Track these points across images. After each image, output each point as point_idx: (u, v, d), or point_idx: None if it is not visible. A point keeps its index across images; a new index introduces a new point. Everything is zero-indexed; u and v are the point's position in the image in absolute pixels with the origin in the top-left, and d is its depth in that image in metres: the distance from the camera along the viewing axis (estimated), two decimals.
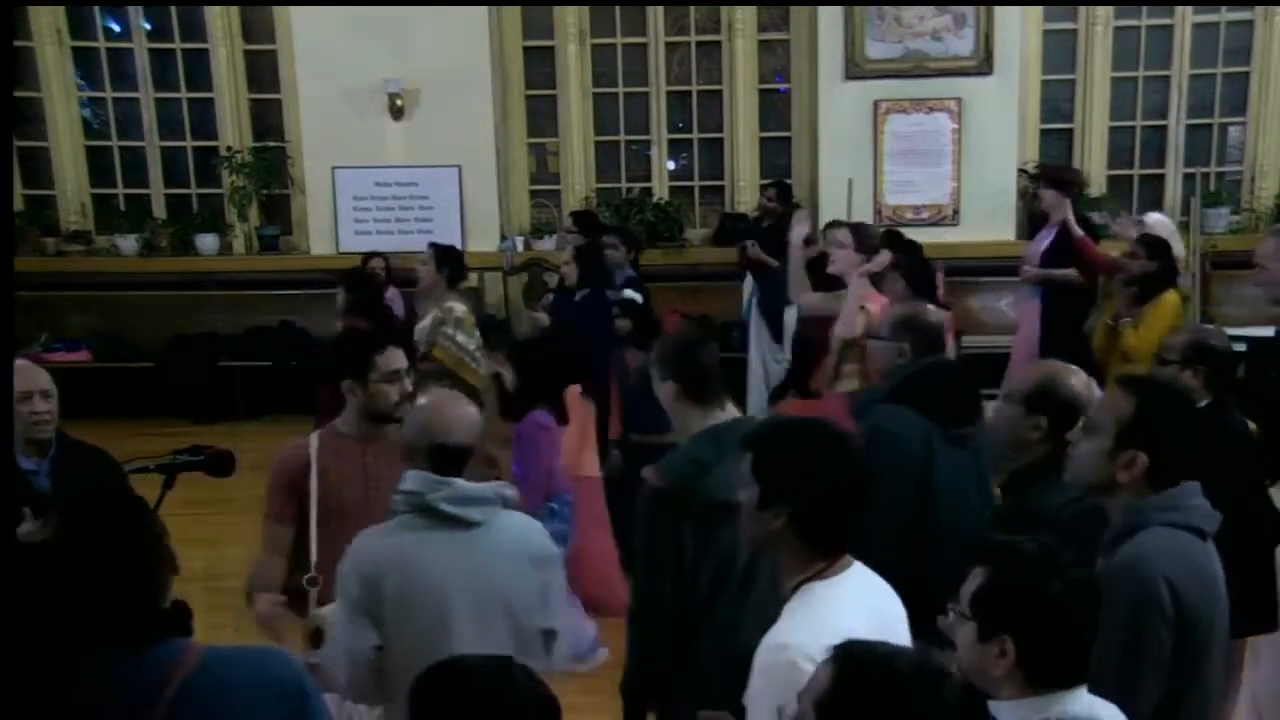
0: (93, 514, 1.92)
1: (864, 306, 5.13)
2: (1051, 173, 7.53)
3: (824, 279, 5.77)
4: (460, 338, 6.11)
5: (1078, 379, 3.04)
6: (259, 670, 1.96)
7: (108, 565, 1.86)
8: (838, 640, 1.96)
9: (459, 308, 6.24)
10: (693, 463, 2.86)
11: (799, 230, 5.79)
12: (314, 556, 3.31)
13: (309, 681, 2.02)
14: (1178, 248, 6.60)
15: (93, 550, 1.86)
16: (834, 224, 6.24)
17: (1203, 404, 3.81)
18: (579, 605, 4.89)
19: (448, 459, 2.80)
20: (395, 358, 3.50)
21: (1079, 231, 6.90)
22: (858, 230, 5.55)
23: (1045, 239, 7.18)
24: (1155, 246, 5.76)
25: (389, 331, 5.37)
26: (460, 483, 2.79)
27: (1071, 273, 6.87)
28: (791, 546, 2.28)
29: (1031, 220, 7.91)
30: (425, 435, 2.82)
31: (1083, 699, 2.06)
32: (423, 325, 6.21)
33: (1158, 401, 2.51)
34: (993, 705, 2.09)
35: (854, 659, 1.81)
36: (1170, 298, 5.60)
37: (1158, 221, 6.97)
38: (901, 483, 3.43)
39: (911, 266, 5.44)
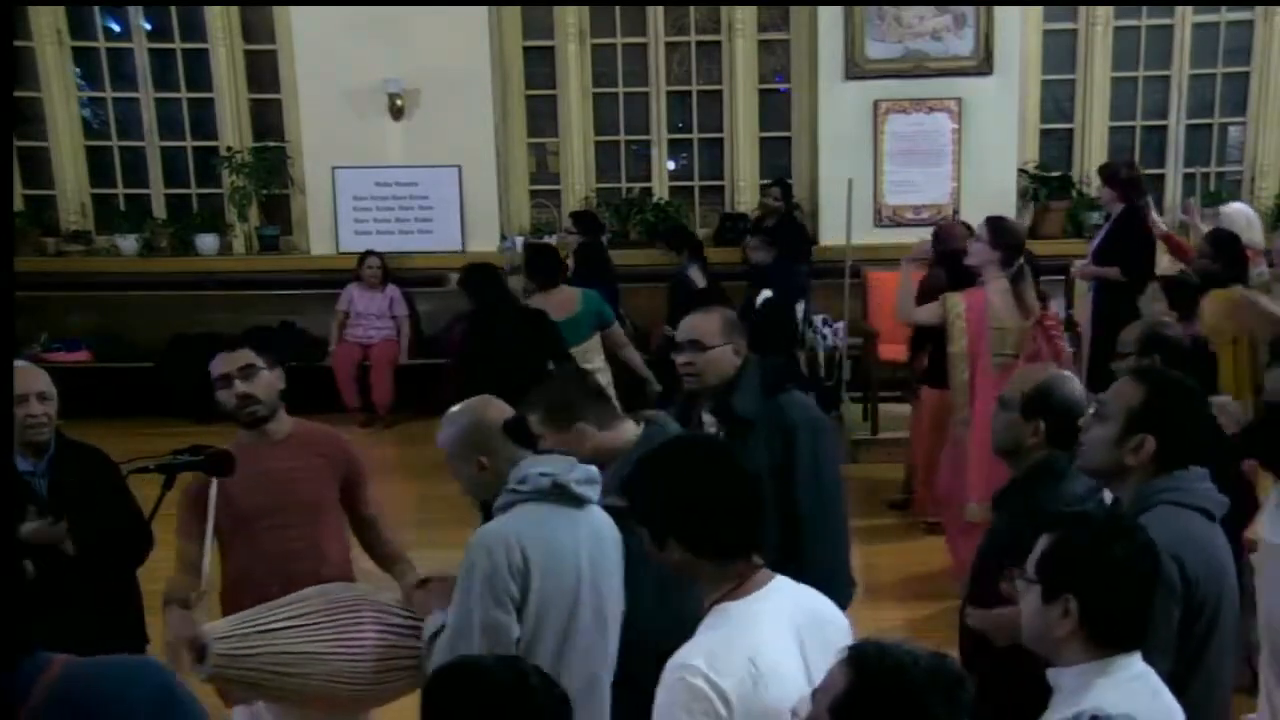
0: None
1: (945, 297, 5.37)
2: (1109, 170, 7.48)
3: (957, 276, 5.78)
4: None
5: (1073, 384, 3.09)
6: (125, 679, 1.92)
7: None
8: (744, 660, 2.03)
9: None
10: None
11: (920, 248, 5.80)
12: (205, 570, 3.26)
13: (182, 691, 1.97)
14: (1255, 236, 6.53)
15: None
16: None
17: None
18: None
19: (523, 431, 2.82)
20: (220, 363, 3.49)
21: (1163, 227, 6.89)
22: (994, 225, 5.52)
23: (1097, 236, 7.23)
24: (1221, 244, 5.79)
25: None
26: (580, 464, 2.80)
27: (1113, 270, 6.91)
28: (695, 569, 2.23)
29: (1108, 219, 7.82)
30: (495, 428, 2.81)
31: (1138, 664, 2.13)
32: None
33: (1166, 389, 2.64)
34: (1051, 674, 2.17)
35: (869, 661, 1.82)
36: (1217, 294, 5.63)
37: (1237, 211, 6.91)
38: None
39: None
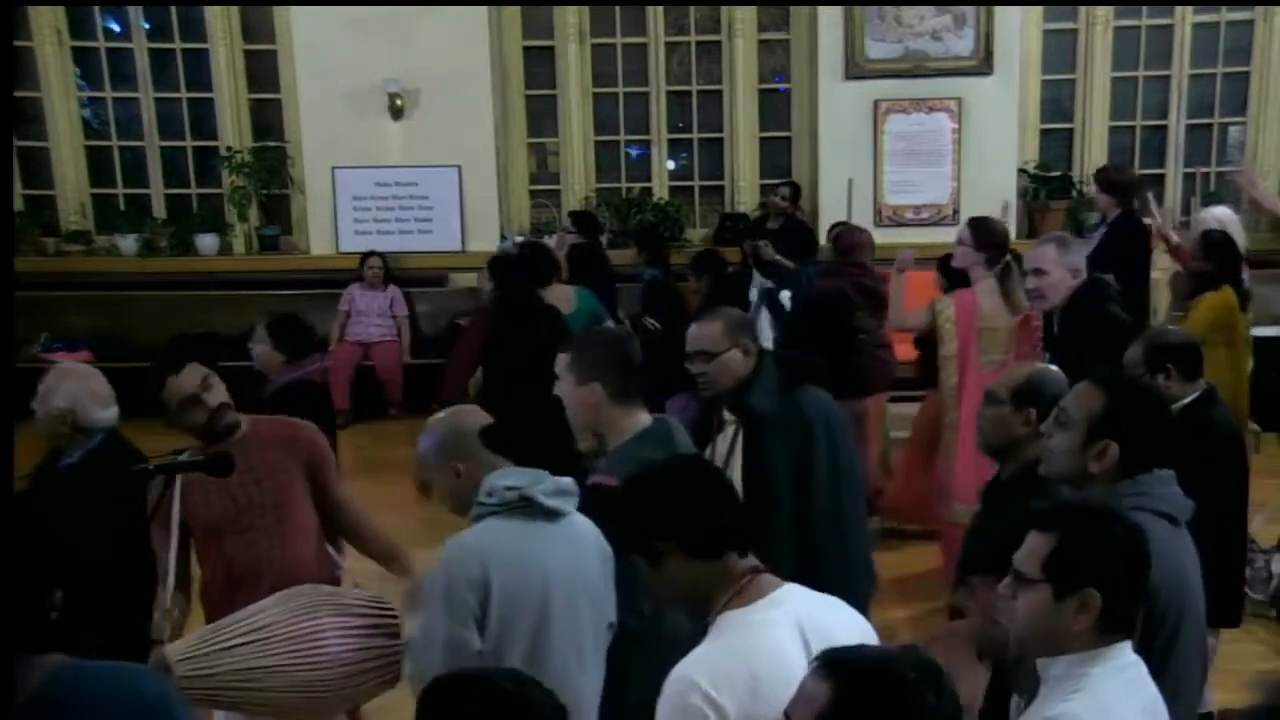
0: None
1: (933, 301, 5.35)
2: (1103, 175, 7.48)
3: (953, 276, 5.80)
4: None
5: (1059, 375, 3.15)
6: (116, 686, 1.91)
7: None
8: (744, 672, 2.00)
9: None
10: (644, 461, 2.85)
11: (903, 259, 5.71)
12: (170, 584, 3.21)
13: (175, 701, 1.97)
14: (1240, 239, 6.57)
15: None
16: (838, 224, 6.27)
17: (1188, 400, 3.89)
18: None
19: (497, 438, 2.80)
20: (175, 387, 3.43)
21: (1175, 239, 6.86)
22: (977, 225, 5.51)
23: (1092, 241, 7.19)
24: (1215, 245, 5.80)
25: None
26: (550, 476, 2.77)
27: (1109, 277, 6.87)
28: (694, 578, 2.19)
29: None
30: (470, 436, 2.78)
31: (1129, 652, 2.13)
32: None
33: (1127, 395, 2.63)
34: (1041, 663, 2.13)
35: (845, 666, 1.77)
36: (1215, 295, 5.65)
37: (1222, 216, 6.92)
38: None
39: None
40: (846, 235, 6.87)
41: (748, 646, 2.08)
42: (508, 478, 2.72)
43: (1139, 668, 2.14)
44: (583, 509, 2.82)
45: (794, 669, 1.99)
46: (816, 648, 2.01)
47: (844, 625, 2.21)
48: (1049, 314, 4.85)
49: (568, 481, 2.79)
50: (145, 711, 1.89)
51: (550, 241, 9.60)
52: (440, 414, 2.97)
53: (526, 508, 2.70)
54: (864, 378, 6.20)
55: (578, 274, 7.97)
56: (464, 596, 2.61)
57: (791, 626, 2.13)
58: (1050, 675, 2.12)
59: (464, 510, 2.77)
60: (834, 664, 1.78)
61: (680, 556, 2.17)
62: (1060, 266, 4.66)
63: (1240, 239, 6.52)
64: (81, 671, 1.89)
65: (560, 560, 2.72)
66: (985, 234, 5.42)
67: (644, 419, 3.09)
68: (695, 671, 2.05)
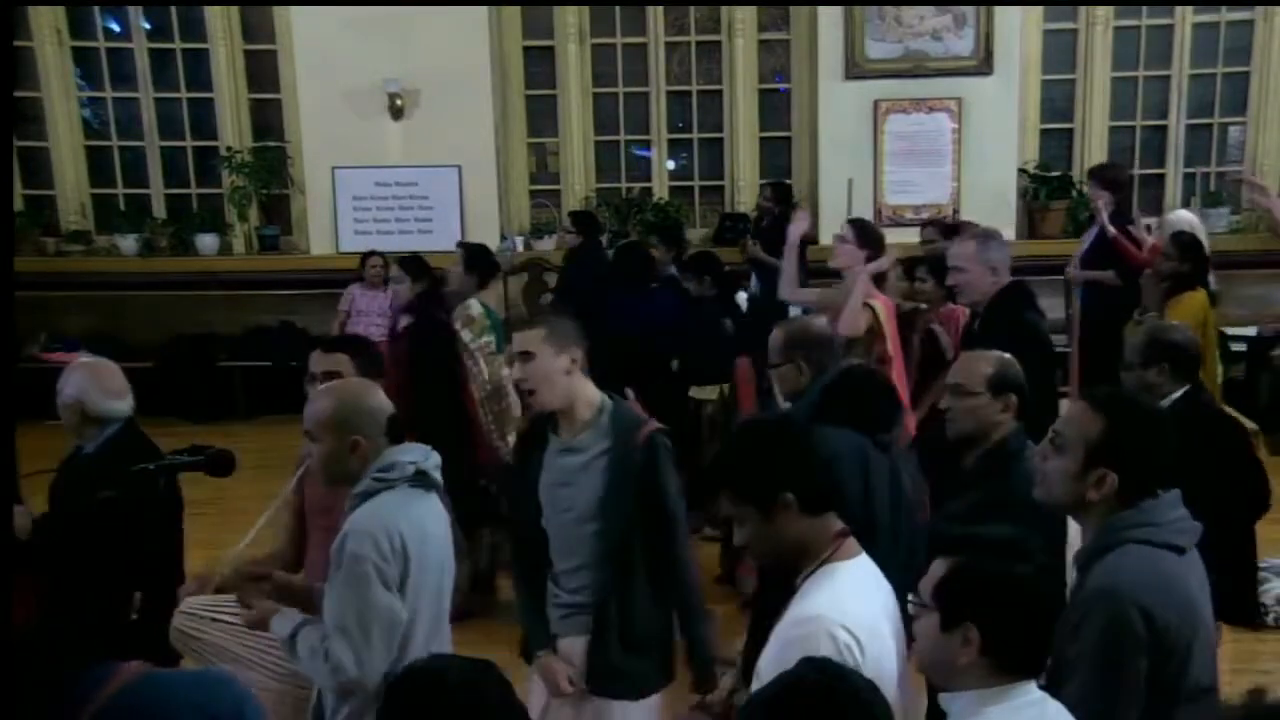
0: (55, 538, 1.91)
1: (868, 304, 5.18)
2: (1099, 171, 7.49)
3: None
4: (466, 335, 6.17)
5: (1008, 357, 3.36)
6: (190, 696, 1.92)
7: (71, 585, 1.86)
8: (866, 613, 2.18)
9: (475, 307, 6.28)
10: None
11: (797, 227, 5.82)
12: (240, 546, 3.41)
13: (253, 710, 1.98)
14: (1204, 241, 6.62)
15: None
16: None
17: (1176, 395, 3.93)
18: None
19: (396, 426, 2.89)
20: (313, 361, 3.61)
21: (1112, 230, 6.92)
22: (861, 226, 5.58)
23: (1086, 240, 7.20)
24: (1188, 247, 5.82)
25: None
26: (431, 450, 2.91)
27: (1109, 274, 6.88)
28: (798, 531, 2.33)
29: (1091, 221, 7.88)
30: (379, 418, 2.85)
31: (1033, 690, 2.08)
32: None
33: (1126, 419, 2.46)
34: (944, 698, 2.11)
35: (803, 688, 1.79)
36: (1193, 296, 5.69)
37: (1185, 219, 6.95)
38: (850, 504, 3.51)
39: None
40: (871, 229, 6.98)
41: (865, 592, 2.31)
42: (406, 454, 2.84)
43: (1044, 706, 2.08)
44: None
45: (891, 619, 2.34)
46: (888, 603, 2.36)
47: (890, 589, 2.43)
48: (973, 313, 4.91)
49: (438, 457, 2.93)
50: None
51: (551, 242, 9.65)
52: (346, 384, 3.06)
53: (421, 481, 2.84)
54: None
55: (577, 275, 7.95)
56: (390, 566, 2.70)
57: (875, 584, 2.38)
58: (952, 711, 2.10)
59: (332, 479, 2.89)
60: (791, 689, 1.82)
61: (794, 510, 2.31)
62: (979, 264, 4.68)
63: (1205, 241, 6.57)
64: (155, 683, 1.90)
65: (442, 527, 2.89)
66: (867, 233, 5.52)
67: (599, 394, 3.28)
68: (830, 610, 2.21)
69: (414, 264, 6.20)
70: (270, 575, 3.05)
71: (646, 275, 6.86)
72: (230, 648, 3.06)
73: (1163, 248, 6.01)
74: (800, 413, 3.51)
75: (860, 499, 3.45)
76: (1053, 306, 7.16)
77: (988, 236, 4.94)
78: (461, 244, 6.50)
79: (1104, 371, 5.48)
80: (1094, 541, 2.41)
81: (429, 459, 2.87)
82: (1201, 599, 2.43)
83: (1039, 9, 9.38)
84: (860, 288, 5.24)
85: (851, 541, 2.37)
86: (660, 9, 9.71)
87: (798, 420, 2.82)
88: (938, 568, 2.11)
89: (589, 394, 3.23)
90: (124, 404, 3.92)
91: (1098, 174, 7.43)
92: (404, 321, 6.19)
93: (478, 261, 6.21)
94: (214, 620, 3.10)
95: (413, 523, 2.77)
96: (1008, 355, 3.39)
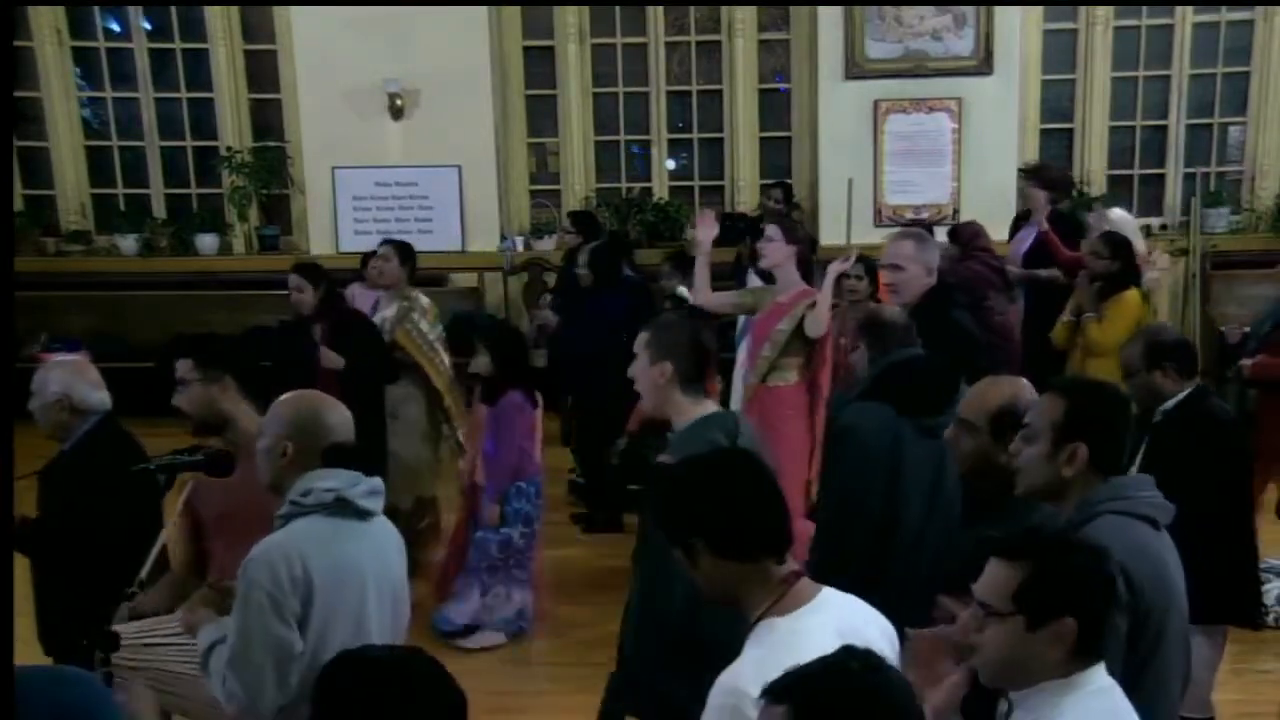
0: None
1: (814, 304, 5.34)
2: (1037, 171, 7.56)
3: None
4: (424, 326, 6.24)
5: (1030, 389, 2.95)
6: (41, 694, 1.84)
7: None
8: None
9: (424, 299, 6.39)
10: (710, 444, 2.81)
11: (706, 232, 5.51)
12: (148, 562, 3.14)
13: (109, 709, 1.89)
14: (1139, 244, 6.66)
15: None
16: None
17: (1181, 395, 3.93)
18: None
19: (342, 456, 2.77)
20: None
21: (1045, 227, 6.98)
22: (785, 224, 5.71)
23: (1027, 239, 7.22)
24: (1118, 245, 5.85)
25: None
26: (364, 477, 2.78)
27: (1055, 272, 6.90)
28: (726, 576, 2.18)
29: (1016, 221, 7.99)
30: (322, 437, 2.76)
31: (1103, 675, 2.09)
32: (386, 315, 6.31)
33: (1086, 395, 2.63)
34: (1016, 696, 2.09)
35: (798, 689, 1.70)
36: (1131, 295, 5.73)
37: (1120, 218, 7.02)
38: (867, 476, 3.48)
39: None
40: (966, 227, 7.25)
41: (793, 658, 1.99)
42: (327, 480, 2.71)
43: (1113, 694, 2.09)
44: (648, 491, 2.83)
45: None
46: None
47: (873, 627, 2.24)
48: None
49: (378, 482, 2.80)
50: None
51: (551, 242, 9.65)
52: (312, 394, 2.94)
53: (340, 509, 2.71)
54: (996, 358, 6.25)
55: (572, 274, 7.93)
56: (286, 597, 2.60)
57: (832, 634, 2.09)
58: (1022, 704, 2.09)
59: (267, 482, 2.80)
60: (785, 691, 1.70)
61: (710, 554, 2.17)
62: (917, 263, 4.67)
63: (1137, 241, 6.60)
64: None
65: (372, 559, 2.76)
66: (796, 231, 5.59)
67: (710, 406, 3.09)
68: (744, 682, 2.01)
69: (312, 271, 6.35)
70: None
71: (613, 274, 7.00)
72: (172, 668, 2.92)
73: (1093, 247, 6.01)
74: (847, 394, 3.49)
75: (883, 490, 3.45)
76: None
77: (924, 236, 4.97)
78: (388, 241, 6.58)
79: (1048, 367, 5.51)
80: (1072, 518, 2.51)
81: (356, 486, 2.73)
82: (1176, 577, 2.51)
83: (1039, 9, 9.38)
84: (829, 288, 5.33)
85: (802, 587, 2.18)
86: (660, 9, 9.71)
87: (726, 455, 2.53)
88: (1008, 574, 2.04)
89: (683, 406, 3.03)
90: (106, 395, 3.98)
91: (1034, 174, 7.53)
92: (317, 332, 6.17)
93: (409, 256, 6.40)
94: (147, 646, 2.95)
95: (325, 553, 2.65)
96: (1021, 381, 3.14)
